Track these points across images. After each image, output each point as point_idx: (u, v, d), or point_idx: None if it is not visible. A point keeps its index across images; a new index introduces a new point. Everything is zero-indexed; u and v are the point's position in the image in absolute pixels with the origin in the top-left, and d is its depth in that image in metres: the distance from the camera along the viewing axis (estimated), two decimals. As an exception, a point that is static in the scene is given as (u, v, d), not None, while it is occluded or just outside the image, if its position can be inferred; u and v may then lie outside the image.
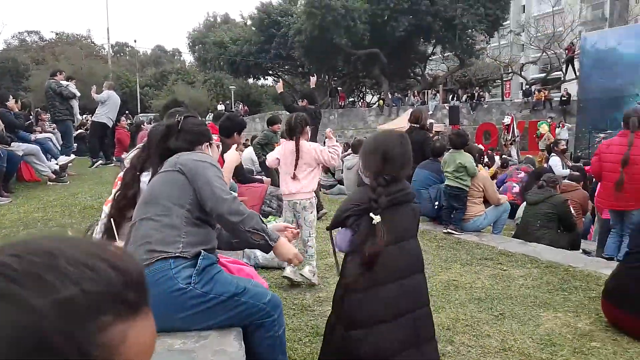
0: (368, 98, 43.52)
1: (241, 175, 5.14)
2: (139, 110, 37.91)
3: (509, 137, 20.34)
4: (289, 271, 3.80)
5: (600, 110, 19.84)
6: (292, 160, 3.88)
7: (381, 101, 31.25)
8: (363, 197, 2.16)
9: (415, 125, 6.86)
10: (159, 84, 48.43)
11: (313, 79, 8.53)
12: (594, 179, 6.72)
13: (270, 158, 4.11)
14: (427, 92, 34.20)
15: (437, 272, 4.19)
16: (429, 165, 6.23)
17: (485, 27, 30.82)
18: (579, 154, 16.91)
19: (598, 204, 5.42)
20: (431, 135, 8.14)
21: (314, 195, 4.02)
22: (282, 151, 4.01)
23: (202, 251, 1.99)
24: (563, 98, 25.06)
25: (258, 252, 4.22)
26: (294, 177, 3.87)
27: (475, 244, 5.13)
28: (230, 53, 36.56)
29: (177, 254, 1.93)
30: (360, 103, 39.33)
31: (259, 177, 6.12)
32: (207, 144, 2.35)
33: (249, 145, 9.33)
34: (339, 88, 35.80)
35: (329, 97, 33.41)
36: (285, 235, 2.34)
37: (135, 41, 73.73)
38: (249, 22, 41.41)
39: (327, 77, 37.52)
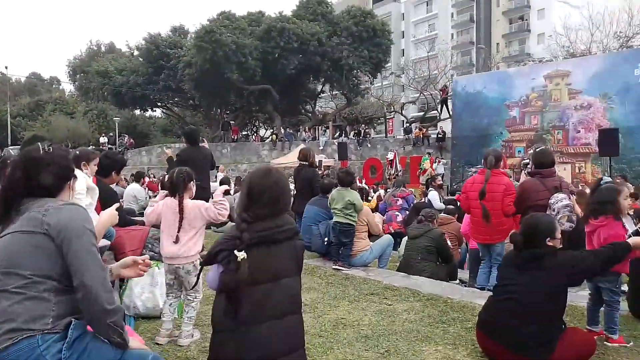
0: (262, 132, 43.83)
1: (120, 217, 4.80)
2: (9, 143, 34.50)
3: (393, 172, 21.58)
4: (162, 340, 3.49)
5: (471, 146, 21.92)
6: (174, 220, 3.50)
7: (274, 136, 31.61)
8: (231, 235, 2.13)
9: (304, 162, 7.02)
10: (33, 114, 44.75)
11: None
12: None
13: (150, 215, 3.66)
14: (318, 128, 35.29)
15: (326, 311, 4.21)
16: (319, 201, 6.35)
17: (369, 68, 32.84)
18: (455, 187, 18.40)
19: (466, 236, 5.90)
20: (320, 172, 8.37)
21: (199, 257, 3.62)
22: (163, 209, 3.59)
23: (73, 320, 1.76)
24: (439, 135, 27.23)
25: (138, 301, 3.93)
26: (177, 240, 3.48)
27: (362, 279, 5.25)
28: (115, 83, 34.93)
29: (45, 331, 1.69)
30: (254, 137, 39.46)
31: (140, 218, 5.76)
32: (72, 180, 2.03)
33: (131, 182, 8.83)
34: (231, 122, 35.66)
35: (222, 131, 33.09)
36: (137, 271, 2.19)
37: (6, 67, 67.55)
38: (135, 53, 40.02)
39: (219, 110, 37.24)
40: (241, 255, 2.04)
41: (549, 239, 3.00)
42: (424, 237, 5.72)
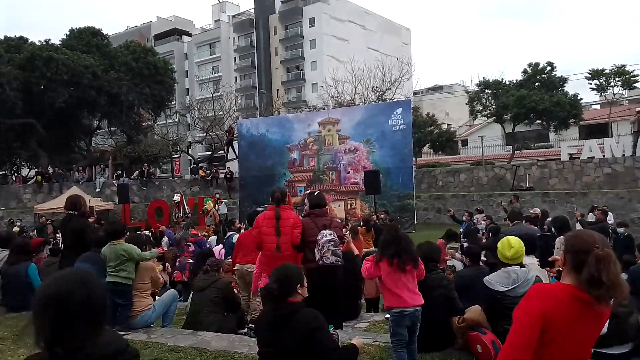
0: (25, 171, 37.90)
1: None
2: None
3: (181, 214, 20.82)
4: None
5: (258, 186, 22.70)
6: None
7: (39, 176, 27.60)
8: None
9: (73, 212, 6.13)
10: None
11: None
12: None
13: None
14: (95, 167, 32.17)
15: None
16: (91, 257, 5.61)
17: (152, 106, 31.62)
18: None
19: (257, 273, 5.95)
20: (92, 220, 7.47)
21: None
22: None
23: None
24: (227, 176, 27.50)
25: None
26: None
27: (143, 343, 4.77)
28: None
29: None
30: (14, 177, 33.87)
31: None
32: None
33: None
34: (-18, 161, 30.13)
35: (-31, 172, 27.64)
36: None
37: None
38: None
39: (-35, 147, 31.11)
40: None
41: (299, 285, 2.97)
42: (210, 289, 5.51)
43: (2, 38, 29.63)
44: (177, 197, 21.13)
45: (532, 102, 27.42)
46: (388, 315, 6.27)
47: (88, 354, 1.52)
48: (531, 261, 5.54)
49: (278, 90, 57.82)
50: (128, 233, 6.33)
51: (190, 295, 6.14)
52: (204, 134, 37.58)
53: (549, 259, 3.48)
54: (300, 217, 5.78)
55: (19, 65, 26.28)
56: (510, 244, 4.06)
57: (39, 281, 6.54)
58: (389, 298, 4.10)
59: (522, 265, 4.04)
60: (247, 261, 6.58)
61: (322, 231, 5.10)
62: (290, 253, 5.36)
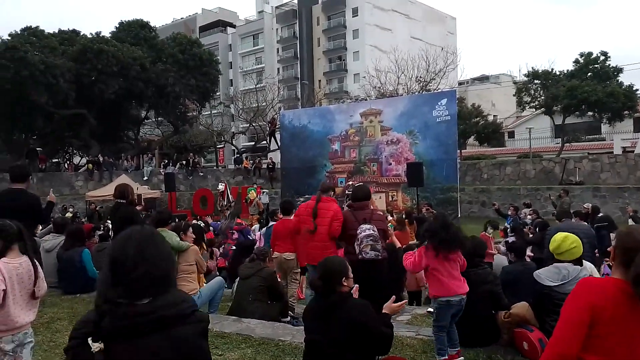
0: (76, 160, 39.56)
1: None
2: None
3: (225, 203, 21.28)
4: None
5: (300, 177, 22.82)
6: (29, 282, 3.17)
7: (90, 165, 28.78)
8: (89, 317, 1.60)
9: (122, 200, 6.34)
10: None
11: None
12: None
13: None
14: (142, 157, 33.25)
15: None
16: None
17: (197, 97, 32.27)
18: (284, 217, 18.86)
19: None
20: (140, 208, 7.75)
21: None
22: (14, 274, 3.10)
23: None
24: (269, 166, 27.82)
25: None
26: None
27: (190, 328, 4.92)
28: None
29: None
30: (66, 165, 35.39)
31: None
32: None
33: None
34: (38, 149, 31.59)
35: (26, 159, 29.06)
36: None
37: None
38: None
39: (23, 136, 32.73)
40: (96, 346, 1.55)
41: (344, 278, 2.98)
42: (255, 277, 5.62)
43: (57, 31, 30.89)
44: (221, 187, 21.61)
45: (584, 93, 26.31)
46: (430, 309, 6.24)
47: (165, 304, 1.61)
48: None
49: (320, 81, 57.81)
50: (173, 222, 6.50)
51: (235, 282, 6.27)
52: (248, 125, 38.10)
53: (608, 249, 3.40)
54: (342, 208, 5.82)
55: (72, 57, 27.33)
56: (564, 239, 3.93)
57: (92, 266, 6.85)
58: (435, 286, 4.09)
59: (577, 263, 3.90)
60: (285, 249, 6.67)
61: (362, 225, 5.07)
62: (326, 241, 5.43)
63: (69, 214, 19.10)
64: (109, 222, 9.62)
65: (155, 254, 1.68)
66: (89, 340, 1.56)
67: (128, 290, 1.59)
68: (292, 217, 6.56)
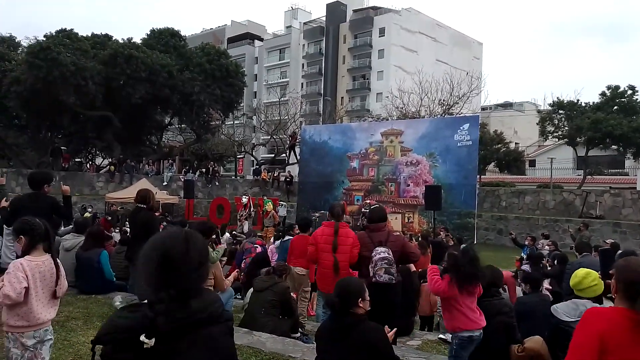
0: (98, 161, 40.27)
1: None
2: None
3: (244, 213, 21.48)
4: None
5: (316, 192, 22.91)
6: (51, 280, 3.28)
7: (112, 167, 29.28)
8: (136, 318, 1.65)
9: (143, 205, 6.40)
10: None
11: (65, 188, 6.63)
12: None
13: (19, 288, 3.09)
14: (163, 162, 33.71)
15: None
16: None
17: (221, 107, 32.70)
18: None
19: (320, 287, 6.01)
20: (158, 214, 7.83)
21: None
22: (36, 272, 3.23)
23: None
24: (287, 179, 27.93)
25: None
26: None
27: (202, 337, 4.95)
28: None
29: None
30: (88, 165, 35.99)
31: None
32: None
33: None
34: (62, 148, 32.23)
35: (50, 157, 29.69)
36: None
37: None
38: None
39: (49, 134, 33.48)
40: (150, 342, 1.61)
41: (360, 300, 3.00)
42: (269, 291, 5.65)
43: (90, 35, 31.70)
44: (245, 199, 21.93)
45: (609, 126, 25.97)
46: (442, 336, 6.18)
47: (208, 303, 1.70)
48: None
49: (342, 98, 58.15)
50: (215, 234, 6.57)
51: (249, 293, 6.30)
52: (268, 137, 38.38)
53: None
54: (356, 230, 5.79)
55: (102, 60, 27.98)
56: (586, 276, 3.89)
57: (109, 268, 6.95)
58: (458, 319, 4.01)
59: (596, 301, 3.84)
60: (299, 264, 6.67)
61: (377, 248, 5.04)
62: (347, 272, 5.37)
63: (87, 214, 19.38)
64: (127, 225, 9.75)
65: (204, 254, 1.79)
66: (142, 337, 1.61)
67: (181, 290, 1.65)
68: (309, 234, 6.57)
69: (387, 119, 31.29)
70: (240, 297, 7.65)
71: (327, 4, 61.46)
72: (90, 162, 38.39)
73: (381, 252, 4.98)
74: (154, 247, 1.72)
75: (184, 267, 1.67)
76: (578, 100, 30.02)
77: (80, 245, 7.14)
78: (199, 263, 1.73)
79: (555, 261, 9.07)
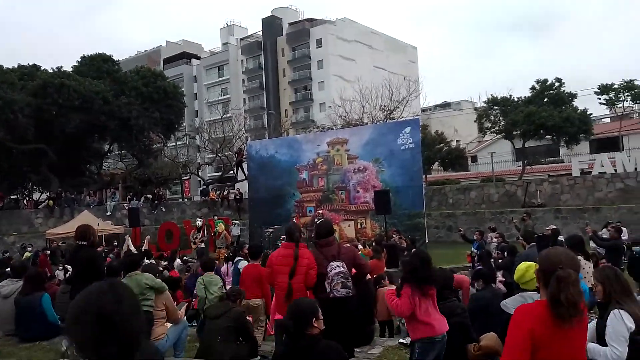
0: (36, 196, 38.25)
1: None
2: None
3: (199, 236, 20.95)
4: None
5: (268, 207, 22.70)
6: None
7: (51, 201, 27.88)
8: None
9: (83, 242, 6.04)
10: None
11: None
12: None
13: None
14: (105, 191, 32.45)
15: None
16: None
17: (161, 129, 31.96)
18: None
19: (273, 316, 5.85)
20: (100, 248, 7.51)
21: None
22: None
23: None
24: (237, 197, 27.56)
25: None
26: None
27: (157, 374, 4.73)
28: None
29: None
30: (25, 202, 34.13)
31: None
32: None
33: None
34: (-6, 186, 30.46)
35: (-19, 197, 27.92)
36: None
37: None
38: None
39: (-21, 172, 31.55)
40: None
41: (314, 319, 2.96)
42: (224, 318, 5.48)
43: (16, 66, 30.25)
44: (199, 222, 21.43)
45: (542, 118, 27.33)
46: (402, 340, 6.20)
47: (140, 356, 1.59)
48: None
49: (286, 110, 58.22)
50: (143, 263, 6.35)
51: (200, 321, 6.11)
52: (214, 156, 37.81)
53: None
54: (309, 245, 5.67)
55: (32, 92, 26.78)
56: (527, 269, 4.00)
57: (53, 311, 6.56)
58: (419, 328, 3.98)
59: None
60: (252, 296, 6.48)
61: (332, 263, 4.99)
62: (302, 291, 5.23)
63: (27, 254, 18.35)
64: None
65: (135, 302, 1.67)
66: None
67: (122, 347, 1.55)
68: (259, 262, 6.42)
69: (332, 129, 31.57)
70: (196, 324, 7.40)
71: (262, 19, 61.61)
72: (27, 198, 36.40)
73: (336, 267, 4.95)
74: (84, 310, 1.57)
75: (122, 322, 1.56)
76: (511, 95, 31.47)
77: (19, 290, 6.72)
78: (133, 313, 1.62)
79: (505, 253, 9.37)
